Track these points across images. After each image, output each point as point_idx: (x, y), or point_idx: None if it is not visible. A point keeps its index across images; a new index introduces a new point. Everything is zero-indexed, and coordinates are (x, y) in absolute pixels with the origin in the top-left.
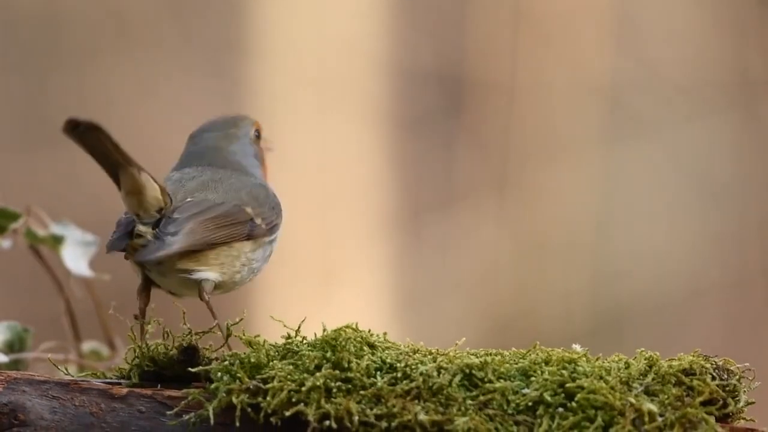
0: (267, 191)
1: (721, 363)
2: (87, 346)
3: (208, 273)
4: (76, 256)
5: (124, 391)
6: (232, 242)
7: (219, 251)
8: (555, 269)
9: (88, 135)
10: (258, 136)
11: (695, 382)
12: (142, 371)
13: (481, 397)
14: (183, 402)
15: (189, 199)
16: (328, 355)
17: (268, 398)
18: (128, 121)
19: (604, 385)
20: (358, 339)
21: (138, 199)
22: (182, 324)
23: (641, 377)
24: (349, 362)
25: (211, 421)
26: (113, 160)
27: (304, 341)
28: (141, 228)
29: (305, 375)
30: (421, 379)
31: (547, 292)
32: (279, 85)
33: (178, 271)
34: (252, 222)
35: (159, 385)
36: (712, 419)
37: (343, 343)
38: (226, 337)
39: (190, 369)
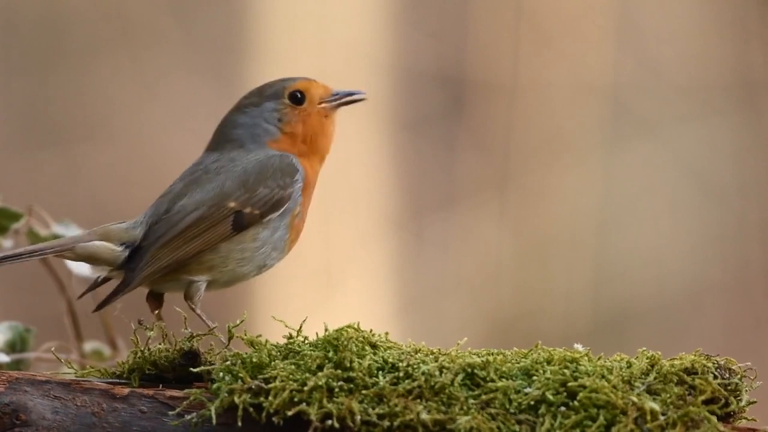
0: (266, 165)
1: (722, 362)
2: (89, 346)
3: (195, 278)
4: None
5: (126, 391)
6: (214, 246)
7: (201, 258)
8: (556, 269)
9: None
10: (297, 99)
11: (697, 381)
12: (143, 374)
13: (483, 397)
14: (185, 402)
15: (163, 217)
16: (330, 354)
17: (270, 398)
18: (129, 121)
19: (606, 384)
20: (360, 339)
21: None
22: (184, 329)
23: (643, 376)
24: (351, 362)
25: (213, 421)
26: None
27: (306, 341)
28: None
29: (307, 375)
30: (423, 378)
31: (549, 292)
32: None
33: (167, 281)
34: (238, 214)
35: (161, 386)
36: (714, 418)
37: (345, 342)
38: (228, 339)
39: (191, 369)
